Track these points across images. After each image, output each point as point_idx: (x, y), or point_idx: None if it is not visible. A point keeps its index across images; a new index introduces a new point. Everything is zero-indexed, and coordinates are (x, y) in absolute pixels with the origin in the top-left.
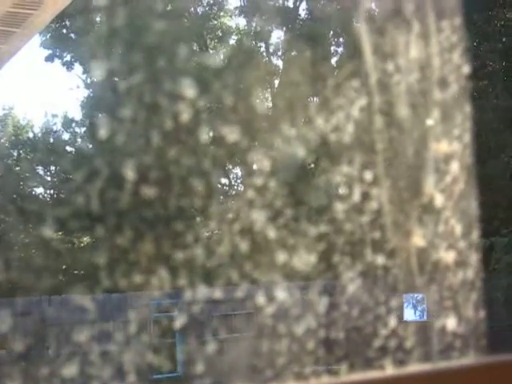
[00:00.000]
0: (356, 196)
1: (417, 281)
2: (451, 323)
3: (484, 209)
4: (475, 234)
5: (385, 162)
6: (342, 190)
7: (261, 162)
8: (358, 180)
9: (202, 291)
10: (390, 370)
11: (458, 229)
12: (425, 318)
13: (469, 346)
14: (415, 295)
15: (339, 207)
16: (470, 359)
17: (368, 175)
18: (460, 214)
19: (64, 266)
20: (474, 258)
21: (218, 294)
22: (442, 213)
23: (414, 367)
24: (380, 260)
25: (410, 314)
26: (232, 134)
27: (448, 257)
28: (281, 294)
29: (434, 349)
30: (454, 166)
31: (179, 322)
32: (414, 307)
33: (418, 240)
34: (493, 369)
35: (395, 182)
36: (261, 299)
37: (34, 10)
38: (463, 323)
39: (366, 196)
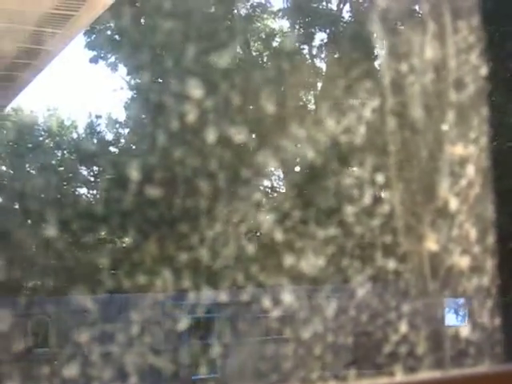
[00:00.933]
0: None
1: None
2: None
3: None
4: (491, 239)
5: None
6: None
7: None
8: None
9: (239, 293)
10: (399, 377)
11: (473, 233)
12: (466, 322)
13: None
14: (457, 300)
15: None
16: (483, 367)
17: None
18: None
19: (102, 266)
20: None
21: (254, 295)
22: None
23: (424, 374)
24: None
25: (451, 319)
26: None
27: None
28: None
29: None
30: (470, 170)
31: (215, 323)
32: (456, 312)
33: (431, 244)
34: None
35: None
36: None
37: (75, 11)
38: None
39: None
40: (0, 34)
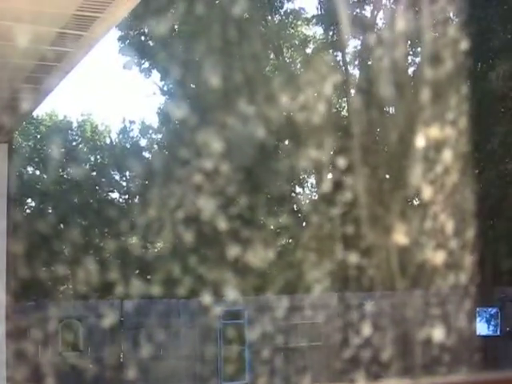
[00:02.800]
0: None
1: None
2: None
3: None
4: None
5: None
6: None
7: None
8: None
9: (271, 299)
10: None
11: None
12: (498, 332)
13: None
14: (489, 309)
15: None
16: (459, 376)
17: None
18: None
19: (137, 271)
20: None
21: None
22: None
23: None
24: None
25: (483, 329)
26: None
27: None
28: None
29: None
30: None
31: (249, 329)
32: (488, 321)
33: (400, 237)
34: None
35: None
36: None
37: (100, 12)
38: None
39: None
40: (24, 35)
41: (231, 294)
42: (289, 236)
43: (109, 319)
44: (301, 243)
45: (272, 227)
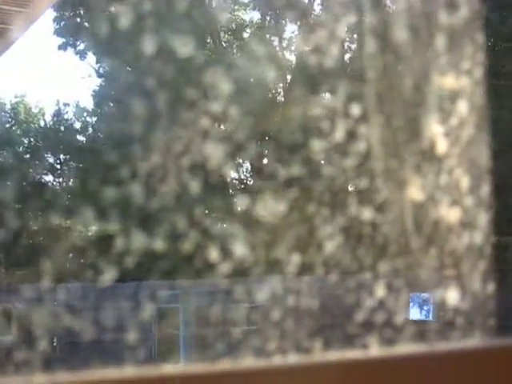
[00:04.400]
0: None
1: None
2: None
3: None
4: (485, 189)
5: None
6: None
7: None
8: None
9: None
10: (374, 351)
11: (465, 181)
12: (430, 317)
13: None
14: (421, 295)
15: None
16: (473, 341)
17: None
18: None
19: (71, 254)
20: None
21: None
22: (445, 161)
23: (405, 348)
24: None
25: (415, 314)
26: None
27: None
28: None
29: None
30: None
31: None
32: (420, 307)
33: (415, 192)
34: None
35: None
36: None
37: None
38: (467, 298)
39: None
40: None
41: (168, 276)
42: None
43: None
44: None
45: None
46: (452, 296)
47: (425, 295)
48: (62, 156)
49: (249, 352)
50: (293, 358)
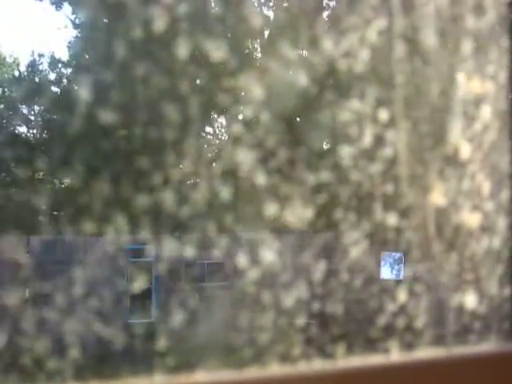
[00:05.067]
0: None
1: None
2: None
3: None
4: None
5: None
6: None
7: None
8: None
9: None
10: (395, 355)
11: (487, 186)
12: (401, 277)
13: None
14: (393, 254)
15: None
16: (489, 345)
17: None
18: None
19: (43, 207)
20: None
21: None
22: (468, 166)
23: (424, 353)
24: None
25: (386, 273)
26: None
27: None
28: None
29: None
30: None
31: (157, 268)
32: (391, 266)
33: (438, 197)
34: None
35: None
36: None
37: None
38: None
39: None
40: None
41: (140, 231)
42: None
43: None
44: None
45: None
46: (470, 300)
47: (396, 254)
48: (36, 107)
49: (222, 308)
50: (317, 364)
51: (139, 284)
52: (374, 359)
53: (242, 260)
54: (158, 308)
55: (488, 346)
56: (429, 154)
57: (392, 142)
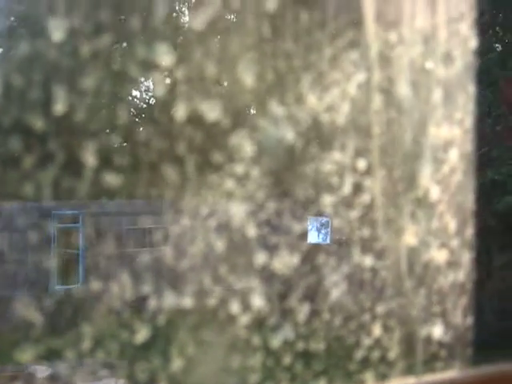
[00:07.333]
0: None
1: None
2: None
3: None
4: (469, 231)
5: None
6: None
7: None
8: None
9: (109, 205)
10: None
11: (453, 224)
12: (328, 241)
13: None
14: (320, 218)
15: None
16: (452, 373)
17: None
18: (456, 208)
19: None
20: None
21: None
22: (436, 207)
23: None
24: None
25: (313, 237)
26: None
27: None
28: None
29: None
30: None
31: (83, 233)
32: (318, 230)
33: (410, 238)
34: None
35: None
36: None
37: None
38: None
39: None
40: None
41: (67, 197)
42: None
43: None
44: None
45: None
46: (436, 331)
47: (323, 219)
48: None
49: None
50: None
51: (66, 250)
52: None
53: None
54: (84, 275)
55: (451, 373)
56: (402, 198)
57: (369, 189)
